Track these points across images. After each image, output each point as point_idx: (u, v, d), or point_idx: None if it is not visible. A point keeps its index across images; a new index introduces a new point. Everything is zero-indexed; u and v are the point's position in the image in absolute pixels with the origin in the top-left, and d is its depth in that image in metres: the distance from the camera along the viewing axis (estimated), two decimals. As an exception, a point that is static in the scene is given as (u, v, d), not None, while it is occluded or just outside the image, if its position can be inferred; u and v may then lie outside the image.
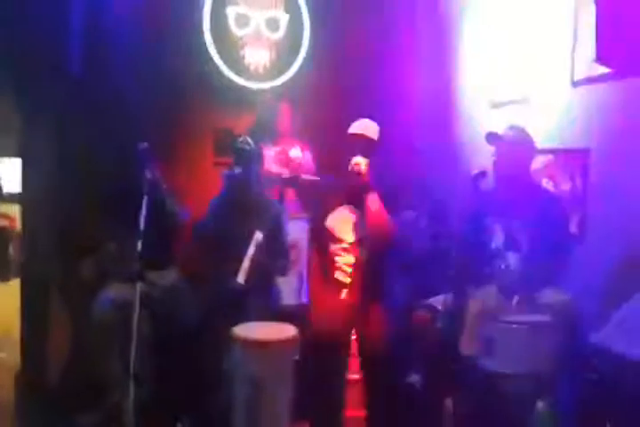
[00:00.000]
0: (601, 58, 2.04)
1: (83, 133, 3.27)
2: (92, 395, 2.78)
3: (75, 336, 3.06)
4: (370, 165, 2.66)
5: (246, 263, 2.73)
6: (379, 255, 2.75)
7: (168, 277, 3.05)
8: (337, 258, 2.77)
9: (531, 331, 2.16)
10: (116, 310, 2.78)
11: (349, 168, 2.66)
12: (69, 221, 3.13)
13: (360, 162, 2.64)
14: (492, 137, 2.60)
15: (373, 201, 2.67)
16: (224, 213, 2.90)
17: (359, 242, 2.75)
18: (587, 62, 2.69)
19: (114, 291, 2.88)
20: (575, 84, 2.87)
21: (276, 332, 2.49)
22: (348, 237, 2.76)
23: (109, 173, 3.17)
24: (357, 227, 2.76)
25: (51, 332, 3.08)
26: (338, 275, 2.77)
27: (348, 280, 2.74)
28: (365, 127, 2.78)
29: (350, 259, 2.74)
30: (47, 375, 2.99)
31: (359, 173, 2.63)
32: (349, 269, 2.74)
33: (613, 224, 2.61)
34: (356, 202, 2.75)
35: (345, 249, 2.76)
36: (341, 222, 2.79)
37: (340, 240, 2.77)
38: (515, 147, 2.57)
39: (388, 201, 2.74)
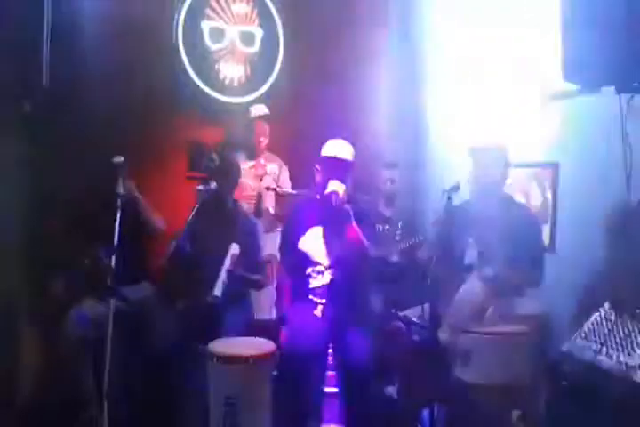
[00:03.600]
0: (568, 77, 2.11)
1: (53, 148, 3.22)
2: (66, 413, 2.72)
3: (47, 354, 2.99)
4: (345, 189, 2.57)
5: (223, 276, 2.71)
6: (354, 276, 2.69)
7: (142, 292, 3.02)
8: (311, 280, 2.72)
9: (505, 342, 2.19)
10: (88, 326, 2.74)
11: (325, 194, 2.55)
12: (41, 236, 3.07)
13: (336, 189, 2.54)
14: (469, 151, 2.65)
15: (349, 225, 2.58)
16: (199, 227, 2.88)
17: (334, 264, 2.70)
18: (557, 78, 2.77)
19: (86, 307, 2.84)
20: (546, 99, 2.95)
21: (253, 347, 2.46)
22: (325, 260, 2.71)
23: (81, 188, 3.14)
24: (332, 249, 2.70)
25: (22, 349, 3.00)
26: (312, 297, 2.72)
27: (322, 301, 2.69)
28: (339, 149, 2.68)
29: (325, 280, 2.70)
30: (19, 394, 2.91)
31: (335, 200, 2.53)
32: (324, 292, 2.70)
33: (582, 236, 2.68)
34: (331, 224, 2.69)
35: (320, 272, 2.72)
36: (316, 245, 2.73)
37: (316, 263, 2.72)
38: (491, 161, 2.62)
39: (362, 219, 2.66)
